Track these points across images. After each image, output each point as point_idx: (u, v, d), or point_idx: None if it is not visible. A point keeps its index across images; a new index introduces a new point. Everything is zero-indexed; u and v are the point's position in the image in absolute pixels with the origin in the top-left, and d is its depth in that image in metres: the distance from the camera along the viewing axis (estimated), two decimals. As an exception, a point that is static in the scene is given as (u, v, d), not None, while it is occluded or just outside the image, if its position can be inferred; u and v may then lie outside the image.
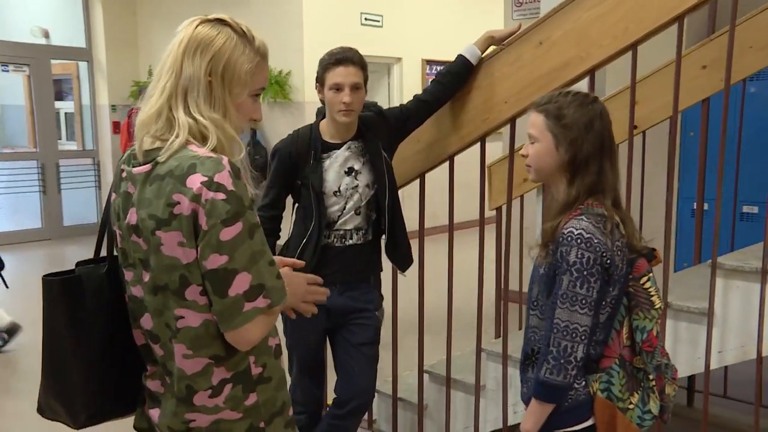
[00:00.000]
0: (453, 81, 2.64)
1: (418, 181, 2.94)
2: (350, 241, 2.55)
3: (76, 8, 8.84)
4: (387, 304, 2.99)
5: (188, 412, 1.41)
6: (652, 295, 1.70)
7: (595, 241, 1.64)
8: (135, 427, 1.55)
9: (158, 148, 1.35)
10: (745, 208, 4.05)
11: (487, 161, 2.94)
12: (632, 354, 1.74)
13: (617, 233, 1.69)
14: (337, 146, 2.54)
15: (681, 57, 2.38)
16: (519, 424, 2.82)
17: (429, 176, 2.94)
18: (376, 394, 3.26)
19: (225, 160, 1.33)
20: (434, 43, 8.52)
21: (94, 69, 8.88)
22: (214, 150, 1.35)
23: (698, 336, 2.36)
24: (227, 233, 1.29)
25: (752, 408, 2.49)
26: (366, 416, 3.22)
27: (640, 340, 1.70)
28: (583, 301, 1.64)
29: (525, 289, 3.59)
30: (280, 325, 1.71)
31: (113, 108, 8.77)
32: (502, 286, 2.90)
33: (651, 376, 1.71)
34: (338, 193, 2.52)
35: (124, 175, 1.42)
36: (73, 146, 9.55)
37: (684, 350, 2.46)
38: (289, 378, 2.58)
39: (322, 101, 2.52)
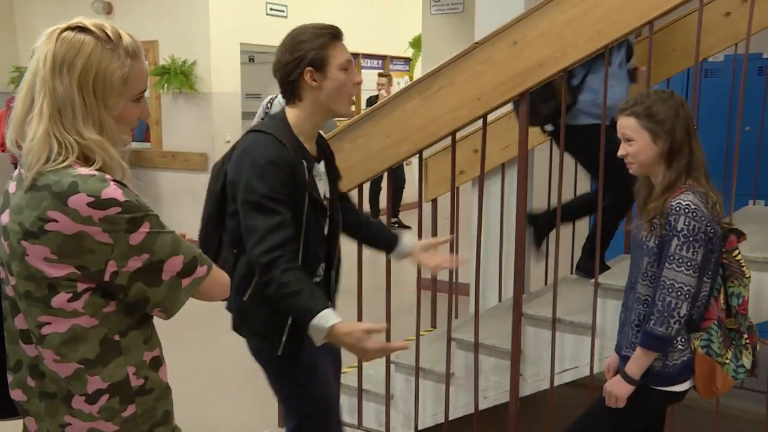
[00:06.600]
0: (369, 235, 2.31)
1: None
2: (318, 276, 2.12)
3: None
4: (353, 295, 3.00)
5: (66, 414, 1.37)
6: (743, 266, 2.00)
7: (700, 212, 1.91)
8: None
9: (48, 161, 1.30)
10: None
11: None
12: (726, 317, 2.03)
13: (715, 210, 1.97)
14: (315, 159, 2.07)
15: (651, 62, 2.56)
16: (489, 408, 2.97)
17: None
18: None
19: (107, 176, 1.30)
20: (339, 35, 8.50)
21: (-32, 54, 8.17)
22: (99, 170, 1.31)
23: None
24: (135, 238, 1.30)
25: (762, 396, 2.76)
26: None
27: (736, 305, 2.00)
28: (688, 264, 1.90)
29: (462, 279, 3.71)
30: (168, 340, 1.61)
31: (-7, 96, 8.11)
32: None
33: (745, 335, 2.01)
34: None
35: (15, 173, 1.37)
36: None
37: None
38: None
39: (294, 87, 1.96)
